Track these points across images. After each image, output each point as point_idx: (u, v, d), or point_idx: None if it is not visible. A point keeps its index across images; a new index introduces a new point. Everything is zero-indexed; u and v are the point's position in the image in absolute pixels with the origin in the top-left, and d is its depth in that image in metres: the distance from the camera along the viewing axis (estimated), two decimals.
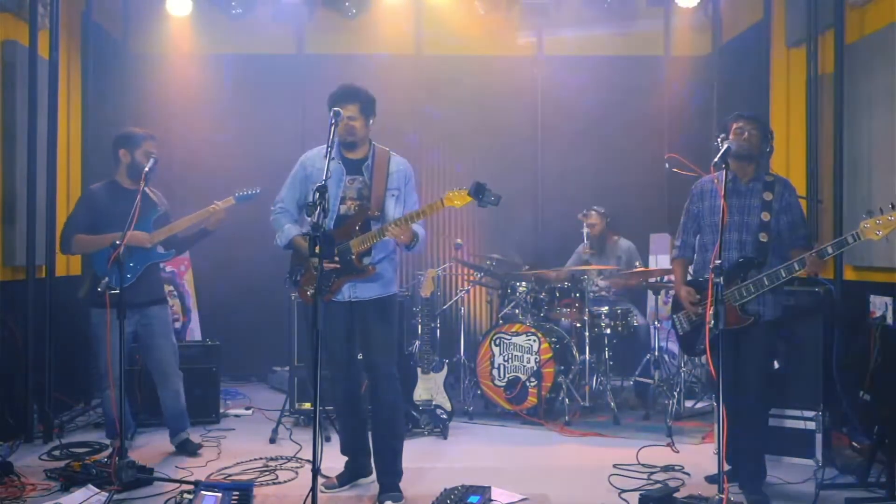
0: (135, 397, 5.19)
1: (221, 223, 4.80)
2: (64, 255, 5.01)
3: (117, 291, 4.13)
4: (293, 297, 5.61)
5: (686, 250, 4.24)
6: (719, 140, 3.91)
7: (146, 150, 4.62)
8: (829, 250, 3.68)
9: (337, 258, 3.94)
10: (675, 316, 4.24)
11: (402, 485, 4.06)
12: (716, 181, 4.04)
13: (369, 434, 4.22)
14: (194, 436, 5.08)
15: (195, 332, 6.83)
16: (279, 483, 4.25)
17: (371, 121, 4.05)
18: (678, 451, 4.84)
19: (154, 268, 4.77)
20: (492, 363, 5.84)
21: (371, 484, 4.21)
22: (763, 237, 3.90)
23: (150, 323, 4.71)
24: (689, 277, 4.23)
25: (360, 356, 4.19)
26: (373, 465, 4.17)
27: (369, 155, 4.08)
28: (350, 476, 4.22)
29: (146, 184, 4.39)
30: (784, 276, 3.75)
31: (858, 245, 4.62)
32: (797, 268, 3.70)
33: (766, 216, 3.91)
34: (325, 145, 3.83)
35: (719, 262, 3.45)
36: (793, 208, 3.98)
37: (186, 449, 4.80)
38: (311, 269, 3.87)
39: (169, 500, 3.87)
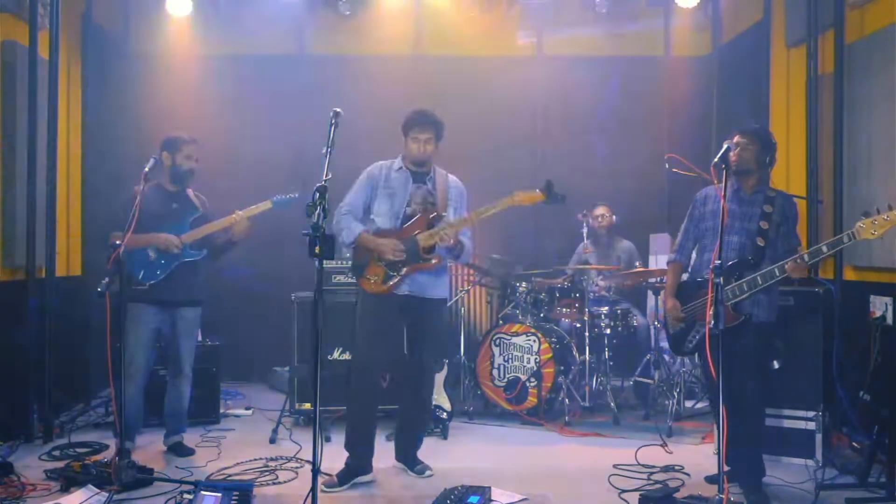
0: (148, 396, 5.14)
1: (248, 232, 4.74)
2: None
3: (145, 287, 4.47)
4: (293, 297, 5.61)
5: (682, 255, 4.31)
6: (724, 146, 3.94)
7: (186, 153, 4.74)
8: (824, 249, 3.70)
9: (404, 248, 4.24)
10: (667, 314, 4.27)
11: (402, 485, 4.16)
12: (716, 184, 4.06)
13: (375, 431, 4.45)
14: (193, 436, 5.09)
15: None
16: (279, 483, 4.25)
17: (439, 144, 4.43)
18: (671, 452, 4.84)
19: (188, 268, 4.72)
20: (492, 363, 5.84)
21: (370, 482, 4.26)
22: (759, 241, 3.96)
23: (175, 323, 4.75)
24: (684, 278, 4.28)
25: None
26: (372, 463, 4.33)
27: (431, 170, 4.47)
28: (350, 474, 4.24)
29: (146, 182, 4.41)
30: (777, 275, 3.80)
31: (859, 245, 4.63)
32: (788, 268, 3.74)
33: (764, 225, 3.99)
34: (387, 161, 4.44)
35: (719, 261, 3.46)
36: (789, 220, 4.06)
37: (178, 452, 4.80)
38: (374, 261, 4.27)
39: (169, 500, 3.87)
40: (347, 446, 4.30)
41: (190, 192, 4.87)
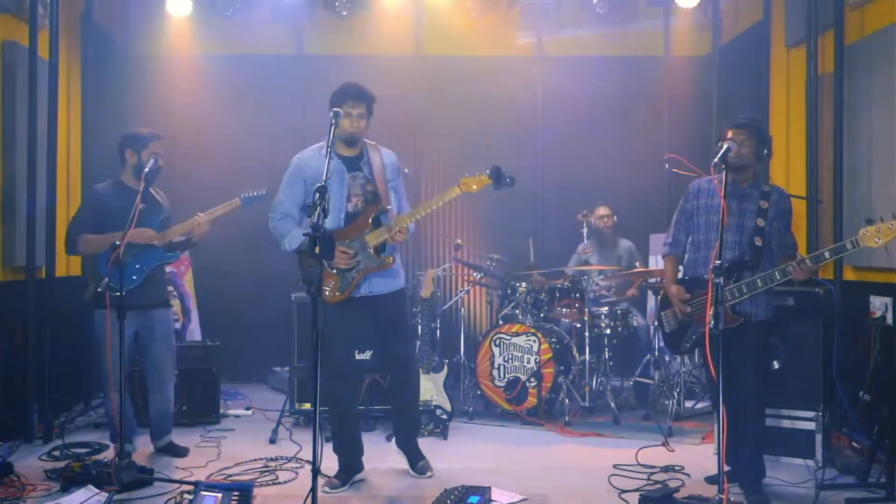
0: (136, 399, 5.13)
1: (206, 236, 4.71)
2: (69, 255, 4.95)
3: (121, 293, 4.16)
4: (293, 297, 5.61)
5: (677, 248, 4.25)
6: (717, 146, 3.95)
7: (153, 150, 4.60)
8: (826, 255, 3.70)
9: (356, 254, 4.07)
10: (662, 313, 4.24)
11: (402, 485, 4.18)
12: (716, 181, 4.05)
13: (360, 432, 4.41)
14: (193, 436, 5.09)
15: (195, 333, 6.82)
16: (279, 483, 4.25)
17: (371, 120, 4.19)
18: (673, 451, 4.84)
19: (158, 270, 4.73)
20: (492, 363, 5.83)
21: (366, 478, 4.31)
22: (758, 241, 3.93)
23: (152, 326, 4.69)
24: (679, 275, 4.25)
25: (360, 355, 4.27)
26: (363, 462, 4.33)
27: (363, 151, 4.20)
28: (348, 473, 4.24)
29: (147, 184, 4.41)
30: (778, 278, 3.77)
31: None
32: (790, 272, 3.72)
33: (761, 222, 3.95)
34: (316, 146, 4.13)
35: (719, 262, 3.45)
36: (784, 216, 4.02)
37: (172, 452, 4.78)
38: (327, 268, 4.02)
39: (169, 500, 3.87)
40: (336, 450, 4.29)
41: (152, 190, 4.72)
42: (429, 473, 4.31)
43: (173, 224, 4.72)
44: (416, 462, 4.36)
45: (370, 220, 4.10)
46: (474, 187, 4.06)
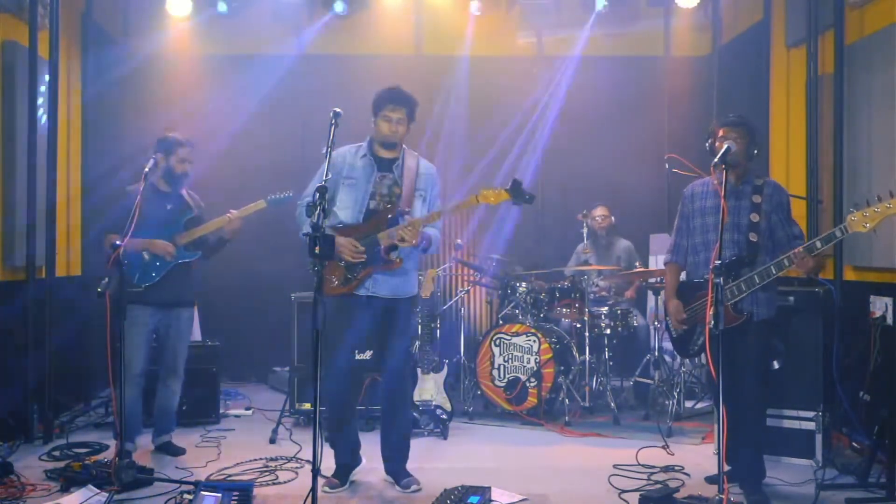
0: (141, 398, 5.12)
1: (238, 233, 4.80)
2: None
3: (140, 289, 4.32)
4: (293, 297, 5.61)
5: (678, 254, 4.25)
6: (707, 144, 3.95)
7: (181, 156, 4.71)
8: (818, 245, 3.68)
9: (363, 250, 4.07)
10: (668, 318, 4.25)
11: (402, 486, 4.16)
12: (714, 182, 4.05)
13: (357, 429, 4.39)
14: (193, 436, 5.09)
15: (195, 333, 6.80)
16: (279, 483, 4.25)
17: (411, 125, 4.23)
18: (673, 454, 4.83)
19: (182, 269, 4.74)
20: (492, 363, 5.83)
21: (365, 478, 4.30)
22: (753, 237, 3.93)
23: (171, 324, 4.74)
24: (682, 279, 4.26)
25: (360, 355, 4.24)
26: (362, 455, 4.32)
27: (400, 156, 4.23)
28: (346, 472, 4.24)
29: (146, 183, 4.42)
30: (774, 272, 3.77)
31: (859, 245, 4.62)
32: (787, 264, 3.72)
33: (755, 217, 3.95)
34: (354, 145, 4.18)
35: (719, 262, 3.45)
36: (783, 207, 4.01)
37: (169, 451, 4.79)
38: (335, 260, 4.04)
39: (169, 500, 3.87)
40: (332, 446, 4.26)
41: (184, 191, 4.85)
42: (414, 487, 4.13)
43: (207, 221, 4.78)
44: (401, 479, 4.20)
45: (387, 219, 4.11)
46: (492, 199, 4.04)
